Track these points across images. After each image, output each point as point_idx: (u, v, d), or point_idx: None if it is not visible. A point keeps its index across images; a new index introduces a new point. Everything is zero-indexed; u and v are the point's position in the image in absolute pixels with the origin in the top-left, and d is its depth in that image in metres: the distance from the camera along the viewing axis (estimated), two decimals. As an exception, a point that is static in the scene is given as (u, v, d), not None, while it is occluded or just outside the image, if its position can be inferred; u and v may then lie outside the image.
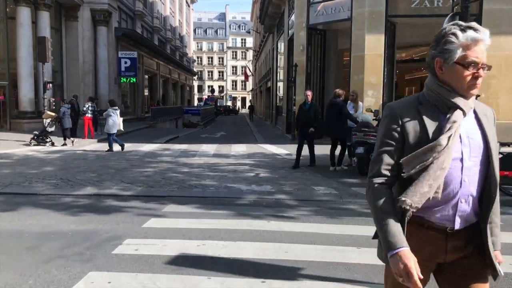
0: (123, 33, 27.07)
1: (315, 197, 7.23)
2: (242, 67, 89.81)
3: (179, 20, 54.90)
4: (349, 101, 10.16)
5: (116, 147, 13.50)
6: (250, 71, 68.66)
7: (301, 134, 10.08)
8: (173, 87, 49.68)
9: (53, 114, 15.09)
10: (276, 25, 26.55)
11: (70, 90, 23.40)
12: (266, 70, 36.21)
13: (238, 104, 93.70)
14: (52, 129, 14.79)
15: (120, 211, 6.20)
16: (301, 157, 10.21)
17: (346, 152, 9.96)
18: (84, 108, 17.86)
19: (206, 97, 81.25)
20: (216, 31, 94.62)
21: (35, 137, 14.52)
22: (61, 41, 23.66)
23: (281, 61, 26.11)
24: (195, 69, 72.38)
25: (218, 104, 61.43)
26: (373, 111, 9.70)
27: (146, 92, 37.39)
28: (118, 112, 13.70)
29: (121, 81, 27.27)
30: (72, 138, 15.13)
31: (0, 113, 20.72)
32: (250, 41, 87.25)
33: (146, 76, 37.19)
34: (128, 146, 15.03)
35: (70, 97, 20.14)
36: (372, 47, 14.12)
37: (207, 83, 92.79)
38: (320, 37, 17.02)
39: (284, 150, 13.56)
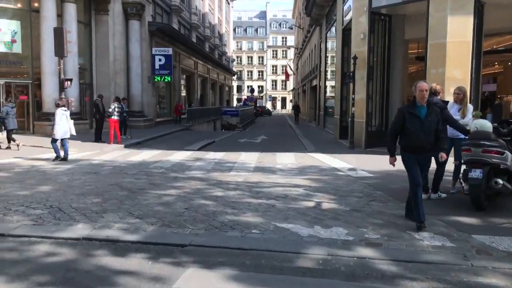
0: (157, 28, 25.02)
1: (421, 254, 4.49)
2: (282, 66, 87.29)
3: (218, 18, 52.97)
4: (452, 102, 7.33)
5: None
6: (291, 69, 66.01)
7: (414, 161, 5.41)
8: (212, 87, 47.67)
9: None
10: (325, 15, 23.70)
11: (100, 90, 21.50)
12: (311, 67, 33.39)
13: (278, 104, 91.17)
14: None
15: (106, 284, 3.74)
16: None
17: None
18: (110, 110, 15.82)
19: (245, 97, 79.28)
20: (256, 30, 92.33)
21: None
22: (90, 36, 21.84)
23: (331, 55, 23.28)
24: (234, 69, 70.38)
25: (258, 105, 58.98)
26: (482, 116, 6.82)
27: (183, 93, 35.47)
28: (67, 113, 11.55)
29: (155, 80, 25.24)
30: (17, 142, 13.21)
31: (23, 115, 19.12)
32: (291, 39, 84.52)
33: (184, 76, 35.25)
34: (156, 154, 12.79)
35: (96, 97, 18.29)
36: (457, 32, 11.13)
37: (247, 83, 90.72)
38: (384, 24, 14.10)
39: (345, 163, 10.81)
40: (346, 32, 16.83)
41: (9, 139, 13.37)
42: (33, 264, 4.19)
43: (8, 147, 13.31)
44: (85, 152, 13.15)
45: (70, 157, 12.03)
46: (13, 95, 18.36)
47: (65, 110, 11.44)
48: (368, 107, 13.82)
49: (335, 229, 5.27)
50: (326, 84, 24.07)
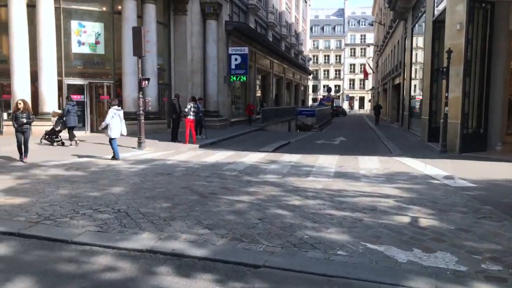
0: (234, 27, 24.83)
1: None
2: (361, 64, 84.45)
3: (295, 17, 52.18)
4: None
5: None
6: (370, 68, 63.48)
7: None
8: (287, 87, 47.02)
9: (59, 112, 14.41)
10: (411, 8, 21.95)
11: (177, 90, 21.75)
12: (393, 64, 31.46)
13: (355, 104, 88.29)
14: (59, 127, 14.14)
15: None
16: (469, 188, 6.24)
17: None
18: (186, 109, 15.72)
19: (321, 97, 77.67)
20: (334, 28, 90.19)
21: (45, 136, 14.14)
22: (169, 37, 22.15)
23: (417, 51, 21.53)
24: (310, 68, 69.13)
25: (335, 105, 57.25)
26: None
27: (258, 93, 35.18)
28: (121, 113, 11.31)
29: (231, 79, 25.08)
30: (75, 139, 14.13)
31: (105, 114, 19.76)
32: (370, 37, 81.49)
33: (259, 76, 34.96)
34: (230, 156, 12.34)
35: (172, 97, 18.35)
36: None
37: (323, 82, 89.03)
38: (485, 12, 12.44)
39: (439, 170, 9.53)
40: (438, 24, 15.25)
41: (71, 136, 14.15)
42: (89, 282, 3.74)
43: (71, 144, 14.04)
44: (160, 152, 13.08)
45: (145, 156, 11.99)
46: (95, 95, 19.06)
47: (118, 110, 11.29)
48: (464, 106, 12.27)
49: (441, 255, 4.27)
50: (411, 82, 22.30)
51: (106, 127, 11.14)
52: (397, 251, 4.38)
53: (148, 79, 14.05)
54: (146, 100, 13.86)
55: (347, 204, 6.41)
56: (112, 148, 11.24)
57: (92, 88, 19.06)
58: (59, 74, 17.93)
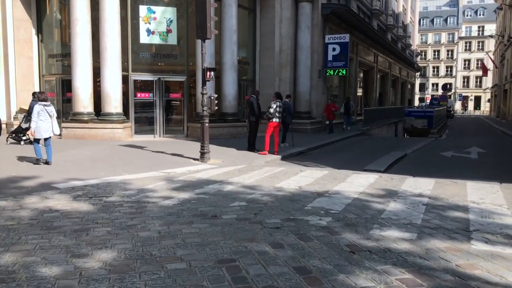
0: (332, 11, 20.60)
1: None
2: (477, 59, 74.29)
3: (402, 6, 46.06)
4: None
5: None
6: (493, 62, 54.58)
7: None
8: (392, 85, 41.26)
9: (26, 108, 13.51)
10: None
11: (262, 86, 18.40)
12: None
13: (470, 104, 78.03)
14: (27, 125, 12.54)
15: None
16: None
17: None
18: (271, 110, 12.01)
19: (429, 96, 69.54)
20: (446, 20, 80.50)
21: (12, 135, 13.22)
22: (254, 25, 18.76)
23: None
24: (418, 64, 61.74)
25: (448, 105, 49.68)
26: None
27: (359, 92, 30.43)
28: (51, 109, 9.25)
29: (327, 74, 20.89)
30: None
31: (182, 115, 16.90)
32: (490, 28, 71.16)
33: (361, 71, 30.20)
34: (319, 178, 8.35)
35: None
36: None
37: (431, 80, 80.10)
38: None
39: None
40: None
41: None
42: None
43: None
44: (226, 167, 9.56)
45: (201, 174, 8.55)
46: (164, 92, 16.25)
47: (46, 105, 9.18)
48: None
49: None
50: None
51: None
52: None
53: (213, 69, 10.64)
54: (211, 97, 10.44)
55: None
56: (35, 150, 9.34)
57: (162, 84, 16.28)
58: (125, 68, 15.44)
